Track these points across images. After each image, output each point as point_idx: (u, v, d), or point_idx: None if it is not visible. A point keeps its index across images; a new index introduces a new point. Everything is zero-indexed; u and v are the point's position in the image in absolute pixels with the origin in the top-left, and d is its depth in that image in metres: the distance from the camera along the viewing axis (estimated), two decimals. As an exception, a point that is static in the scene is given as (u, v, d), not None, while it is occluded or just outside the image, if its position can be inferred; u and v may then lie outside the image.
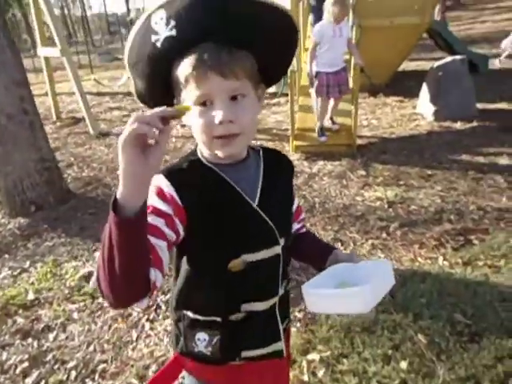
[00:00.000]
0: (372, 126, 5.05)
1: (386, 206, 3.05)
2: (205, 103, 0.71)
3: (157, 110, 0.56)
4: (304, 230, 1.04)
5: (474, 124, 4.76)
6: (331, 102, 4.24)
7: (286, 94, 5.48)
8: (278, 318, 0.91)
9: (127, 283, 0.60)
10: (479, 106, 5.18)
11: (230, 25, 0.66)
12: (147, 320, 2.11)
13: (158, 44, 0.68)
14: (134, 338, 2.00)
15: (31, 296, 2.35)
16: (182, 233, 0.76)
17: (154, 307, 2.18)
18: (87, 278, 2.46)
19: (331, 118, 4.44)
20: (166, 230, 0.73)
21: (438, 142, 4.32)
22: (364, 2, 5.39)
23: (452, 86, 4.86)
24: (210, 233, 0.78)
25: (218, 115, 0.70)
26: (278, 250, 0.85)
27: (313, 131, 4.40)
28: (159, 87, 0.76)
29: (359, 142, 4.37)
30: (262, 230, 0.82)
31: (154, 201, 0.74)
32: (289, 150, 4.32)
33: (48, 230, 3.06)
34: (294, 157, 4.11)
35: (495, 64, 7.92)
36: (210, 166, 0.80)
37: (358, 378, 1.64)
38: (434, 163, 3.79)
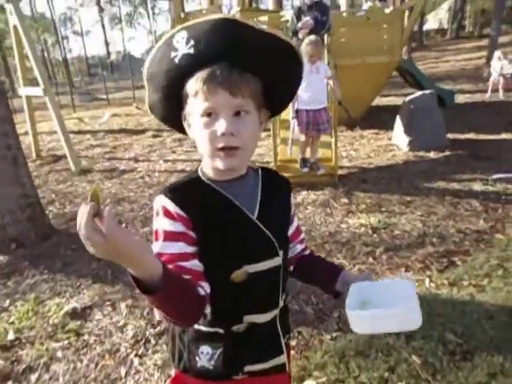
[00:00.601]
0: (351, 157, 5.23)
1: (371, 232, 3.12)
2: (210, 115, 0.76)
3: (83, 215, 0.58)
4: (308, 251, 1.05)
5: (447, 153, 5.01)
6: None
7: (267, 129, 5.65)
8: (280, 332, 0.93)
9: (185, 316, 0.76)
10: (450, 136, 5.49)
11: (240, 49, 0.73)
12: (136, 355, 2.03)
13: (176, 60, 0.75)
14: (123, 375, 1.92)
15: (11, 336, 2.23)
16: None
17: (143, 341, 2.11)
18: (72, 314, 2.37)
19: (315, 163, 4.35)
20: (189, 250, 0.79)
21: (414, 171, 4.51)
22: (337, 43, 5.77)
23: (423, 118, 5.15)
24: (212, 246, 0.81)
25: (220, 127, 0.75)
26: (278, 261, 0.88)
27: (294, 162, 4.52)
28: (172, 100, 0.81)
29: (340, 172, 4.50)
30: (262, 242, 0.86)
31: (164, 224, 0.79)
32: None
33: (29, 267, 2.95)
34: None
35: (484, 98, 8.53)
36: (208, 182, 0.84)
37: (356, 403, 1.62)
38: (412, 190, 3.93)
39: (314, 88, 4.02)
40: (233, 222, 0.83)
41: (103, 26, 32.71)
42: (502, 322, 2.01)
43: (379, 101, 9.03)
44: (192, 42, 0.73)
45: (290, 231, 0.99)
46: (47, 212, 3.88)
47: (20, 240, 3.17)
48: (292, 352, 1.92)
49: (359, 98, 6.37)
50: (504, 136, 5.58)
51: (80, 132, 8.68)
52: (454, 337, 1.92)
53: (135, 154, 6.38)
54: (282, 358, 0.93)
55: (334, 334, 2.03)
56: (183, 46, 0.74)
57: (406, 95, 5.68)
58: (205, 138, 0.77)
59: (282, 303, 0.93)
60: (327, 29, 5.22)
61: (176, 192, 0.81)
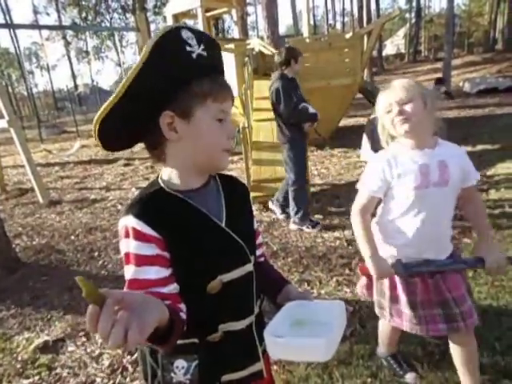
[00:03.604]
0: (322, 175, 5.35)
1: (346, 244, 3.17)
2: (220, 120, 0.80)
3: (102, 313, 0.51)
4: (263, 259, 1.04)
5: (413, 166, 5.21)
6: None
7: (239, 153, 5.73)
8: (256, 338, 0.91)
9: (171, 343, 0.74)
10: (414, 150, 5.72)
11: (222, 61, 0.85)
12: (113, 385, 1.95)
13: (194, 55, 0.75)
14: (100, 407, 1.83)
15: (-24, 376, 2.09)
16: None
17: (120, 370, 2.03)
18: (42, 348, 2.25)
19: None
20: (166, 273, 0.77)
21: (383, 184, 4.65)
22: (303, 67, 6.00)
23: (388, 135, 5.37)
24: (187, 262, 0.80)
25: (232, 131, 0.82)
26: (250, 267, 0.88)
27: (268, 182, 4.57)
28: (163, 93, 0.75)
29: (312, 189, 4.59)
30: (233, 249, 0.85)
31: (136, 247, 0.75)
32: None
33: (-5, 302, 2.80)
34: (252, 207, 4.21)
35: None
36: (174, 193, 0.82)
37: (341, 412, 1.60)
38: (383, 203, 4.05)
39: (436, 220, 1.43)
40: (202, 231, 0.82)
41: (70, 59, 32.54)
42: (476, 321, 2.06)
43: (346, 121, 9.38)
44: (202, 46, 0.76)
45: None
46: (14, 245, 3.72)
47: (-16, 275, 3.02)
48: (275, 367, 1.89)
49: (327, 119, 6.57)
50: (462, 147, 5.88)
51: (48, 164, 8.48)
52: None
53: (106, 183, 6.28)
54: (259, 365, 0.91)
55: (316, 346, 2.02)
56: (196, 46, 0.75)
57: (370, 115, 5.92)
58: (219, 139, 0.81)
59: (257, 309, 0.92)
60: None
61: (143, 210, 0.77)
